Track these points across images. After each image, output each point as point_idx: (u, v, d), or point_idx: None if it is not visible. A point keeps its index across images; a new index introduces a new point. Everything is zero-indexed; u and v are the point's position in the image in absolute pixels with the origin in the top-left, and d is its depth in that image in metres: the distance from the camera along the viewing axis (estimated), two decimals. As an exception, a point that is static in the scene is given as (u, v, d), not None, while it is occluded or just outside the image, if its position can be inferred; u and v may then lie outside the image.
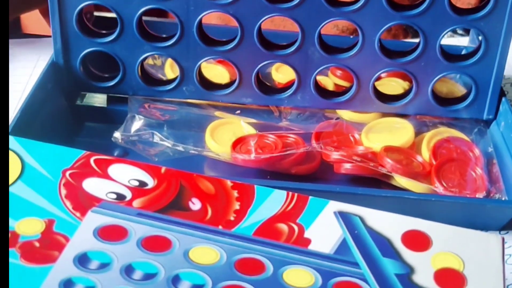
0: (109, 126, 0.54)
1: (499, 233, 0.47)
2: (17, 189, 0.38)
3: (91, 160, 0.40)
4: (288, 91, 0.54)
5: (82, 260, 0.34)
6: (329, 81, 0.59)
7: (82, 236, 0.36)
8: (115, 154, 0.52)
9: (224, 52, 0.52)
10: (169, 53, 0.53)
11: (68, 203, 0.37)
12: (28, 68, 0.63)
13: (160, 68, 0.59)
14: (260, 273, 0.35)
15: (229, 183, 0.40)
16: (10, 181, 0.38)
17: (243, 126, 0.53)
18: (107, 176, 0.39)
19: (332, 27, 0.70)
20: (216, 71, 0.58)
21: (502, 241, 0.38)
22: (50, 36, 0.53)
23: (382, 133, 0.53)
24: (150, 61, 0.58)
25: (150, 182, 0.39)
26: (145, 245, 0.36)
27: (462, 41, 0.62)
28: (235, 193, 0.39)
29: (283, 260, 0.36)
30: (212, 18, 0.51)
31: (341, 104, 0.54)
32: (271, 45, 0.53)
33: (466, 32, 0.67)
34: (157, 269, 0.35)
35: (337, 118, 0.55)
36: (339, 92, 0.55)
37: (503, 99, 0.53)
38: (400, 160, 0.49)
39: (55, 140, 0.42)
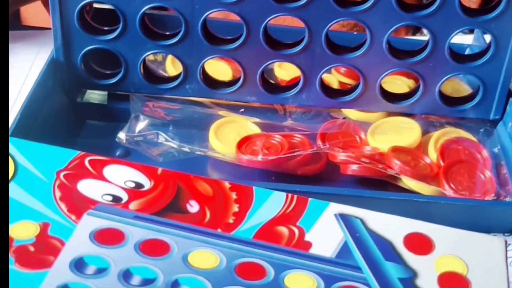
0: (111, 124, 0.54)
1: (503, 235, 0.46)
2: (10, 191, 0.37)
3: (86, 161, 0.39)
4: (293, 90, 0.53)
5: (78, 265, 0.34)
6: (333, 79, 0.58)
7: (78, 240, 0.35)
8: (117, 153, 0.51)
9: (229, 51, 0.51)
10: (173, 51, 0.52)
11: (63, 206, 0.36)
12: (28, 61, 0.62)
13: (160, 64, 0.58)
14: (261, 277, 0.34)
15: (227, 184, 0.39)
16: (3, 183, 0.37)
17: (248, 125, 0.52)
18: (102, 178, 0.38)
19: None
20: (218, 67, 0.57)
21: (505, 244, 0.37)
22: (50, 28, 0.51)
23: (388, 133, 0.52)
24: (151, 56, 0.56)
25: (147, 184, 0.39)
26: (143, 249, 0.35)
27: (465, 39, 0.62)
28: (234, 195, 0.39)
29: (284, 265, 0.35)
30: (215, 12, 0.50)
31: (347, 103, 0.54)
32: (276, 44, 0.52)
33: (470, 30, 0.66)
34: (155, 274, 0.34)
35: (344, 118, 0.54)
36: (345, 91, 0.54)
37: (511, 99, 0.52)
38: (408, 162, 0.49)
39: (56, 138, 0.41)
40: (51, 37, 0.51)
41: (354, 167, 0.49)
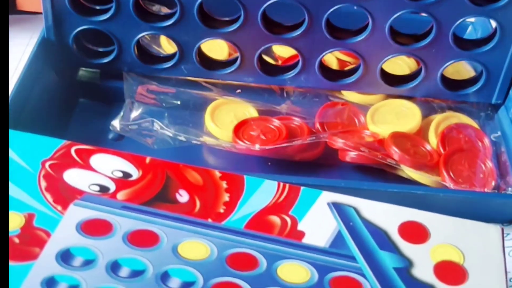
0: (104, 104, 0.53)
1: (502, 225, 0.45)
2: (-6, 182, 0.36)
3: (72, 150, 0.38)
4: (292, 71, 0.52)
5: (65, 256, 0.33)
6: (332, 57, 0.56)
7: (64, 231, 0.34)
8: (110, 136, 0.50)
9: (226, 34, 0.50)
10: (168, 33, 0.50)
11: (48, 196, 0.35)
12: (21, 46, 0.61)
13: (155, 38, 0.57)
14: (253, 268, 0.34)
15: (217, 173, 0.38)
16: (-14, 173, 0.36)
17: (245, 107, 0.51)
18: (89, 167, 0.37)
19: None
20: (214, 44, 0.55)
21: (501, 232, 0.37)
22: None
23: (388, 117, 0.51)
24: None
25: (135, 173, 0.38)
26: (132, 240, 0.34)
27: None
28: (224, 184, 0.38)
29: (276, 255, 0.34)
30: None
31: (346, 86, 0.53)
32: (275, 26, 0.50)
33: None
34: (144, 265, 0.33)
35: (343, 101, 0.53)
36: (345, 73, 0.53)
37: None
38: (408, 149, 0.48)
39: (49, 120, 0.39)
40: (44, 22, 0.50)
41: (353, 154, 0.48)
